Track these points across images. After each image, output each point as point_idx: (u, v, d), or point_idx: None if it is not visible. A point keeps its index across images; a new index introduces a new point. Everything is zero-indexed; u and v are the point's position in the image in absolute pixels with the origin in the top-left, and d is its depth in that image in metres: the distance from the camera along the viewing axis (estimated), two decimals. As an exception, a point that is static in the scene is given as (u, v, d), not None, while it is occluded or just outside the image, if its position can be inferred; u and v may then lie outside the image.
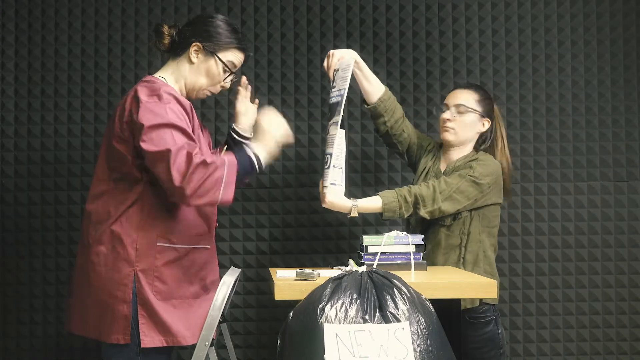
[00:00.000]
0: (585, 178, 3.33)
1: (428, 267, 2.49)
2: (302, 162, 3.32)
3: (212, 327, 2.10)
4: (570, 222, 3.32)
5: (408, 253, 2.44)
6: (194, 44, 2.27)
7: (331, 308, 1.92)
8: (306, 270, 2.22)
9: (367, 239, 2.44)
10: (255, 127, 2.36)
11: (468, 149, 2.74)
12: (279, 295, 2.12)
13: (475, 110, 2.69)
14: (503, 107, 3.32)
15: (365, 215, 3.27)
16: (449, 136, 2.71)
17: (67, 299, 2.30)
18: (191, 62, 2.28)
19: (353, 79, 2.58)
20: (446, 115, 2.71)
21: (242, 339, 3.29)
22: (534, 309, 3.30)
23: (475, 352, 2.61)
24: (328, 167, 2.40)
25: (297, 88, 3.34)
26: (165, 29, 2.31)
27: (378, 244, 2.43)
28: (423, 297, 2.03)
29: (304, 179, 3.33)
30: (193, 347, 2.14)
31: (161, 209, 2.18)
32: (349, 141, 3.27)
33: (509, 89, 3.35)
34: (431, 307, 2.02)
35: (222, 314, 2.19)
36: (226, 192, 2.12)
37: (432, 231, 2.66)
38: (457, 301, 2.41)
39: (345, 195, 2.46)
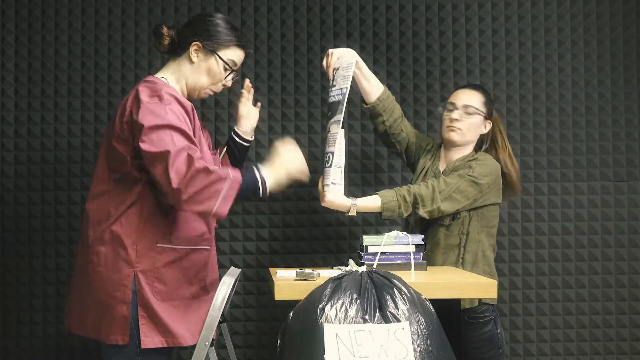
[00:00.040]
0: (585, 178, 3.33)
1: (428, 267, 2.50)
2: (302, 162, 3.32)
3: (212, 327, 2.10)
4: (570, 222, 3.32)
5: (408, 253, 2.44)
6: (193, 43, 2.27)
7: (331, 308, 1.92)
8: (306, 270, 2.22)
9: (367, 239, 2.44)
10: (271, 153, 2.29)
11: (469, 149, 2.74)
12: (279, 295, 2.12)
13: (482, 112, 2.70)
14: (503, 107, 3.32)
15: (365, 215, 3.27)
16: (455, 136, 2.70)
17: (66, 299, 2.30)
18: (192, 62, 2.28)
19: (352, 78, 2.58)
20: (455, 115, 2.69)
21: (242, 339, 3.29)
22: (534, 309, 3.30)
23: (474, 352, 2.61)
24: (330, 166, 2.40)
25: (297, 88, 3.34)
26: (165, 30, 2.30)
27: (378, 244, 2.43)
28: (423, 297, 2.03)
29: (304, 179, 3.32)
30: (193, 347, 2.14)
31: (161, 209, 2.17)
32: (349, 141, 3.27)
33: (509, 89, 3.35)
34: (431, 307, 2.02)
35: (222, 314, 2.18)
36: (222, 206, 2.08)
37: (431, 231, 2.66)
38: (457, 301, 2.41)
39: (344, 194, 2.46)
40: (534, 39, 3.36)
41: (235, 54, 2.32)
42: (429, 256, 2.63)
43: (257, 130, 2.61)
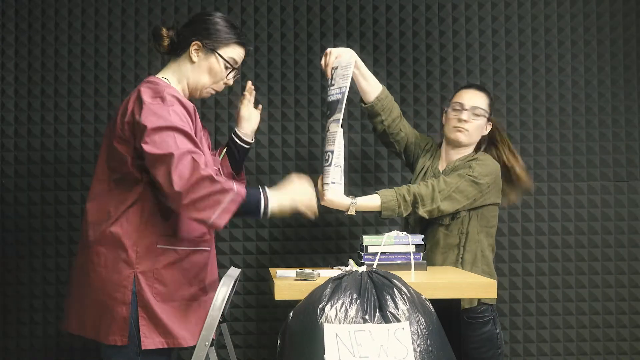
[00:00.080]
0: (585, 178, 3.33)
1: (428, 267, 2.50)
2: (302, 162, 3.32)
3: (212, 327, 2.10)
4: (570, 222, 3.32)
5: (408, 253, 2.44)
6: (193, 43, 2.26)
7: (331, 308, 1.92)
8: (306, 270, 2.22)
9: (367, 239, 2.44)
10: (284, 180, 2.26)
11: (470, 150, 2.74)
12: (279, 295, 2.12)
13: (487, 114, 2.70)
14: (503, 107, 3.32)
15: (365, 215, 3.27)
16: (462, 137, 2.69)
17: (66, 299, 2.30)
18: (192, 62, 2.28)
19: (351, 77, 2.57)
20: (464, 116, 2.67)
21: (242, 339, 3.29)
22: (534, 309, 3.30)
23: (474, 352, 2.61)
24: (329, 165, 2.40)
25: (297, 88, 3.34)
26: (164, 31, 2.30)
27: (378, 244, 2.43)
28: (423, 297, 2.03)
29: (304, 179, 3.32)
30: (193, 347, 2.14)
31: (161, 210, 2.17)
32: (349, 141, 3.27)
33: (509, 89, 3.35)
34: (431, 307, 2.02)
35: (222, 314, 2.18)
36: (221, 217, 2.06)
37: (431, 231, 2.65)
38: (457, 301, 2.41)
39: (344, 193, 2.46)
40: (534, 39, 3.36)
41: (235, 52, 2.32)
42: (429, 256, 2.63)
43: (257, 130, 2.61)
